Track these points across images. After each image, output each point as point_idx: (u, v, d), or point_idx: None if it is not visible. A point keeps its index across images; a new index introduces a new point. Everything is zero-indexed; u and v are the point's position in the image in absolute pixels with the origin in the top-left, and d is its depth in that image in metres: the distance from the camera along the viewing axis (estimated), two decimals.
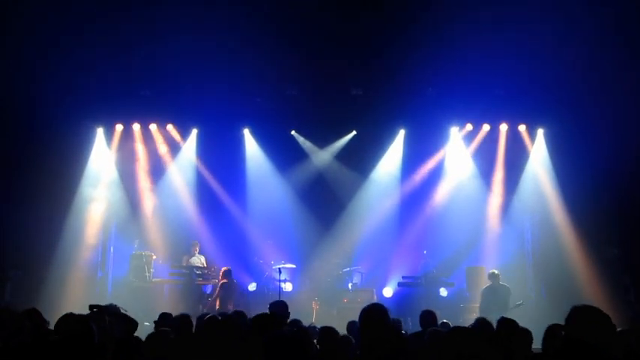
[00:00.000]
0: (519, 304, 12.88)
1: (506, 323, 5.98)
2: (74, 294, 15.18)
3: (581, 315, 4.52)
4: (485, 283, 13.55)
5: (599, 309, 4.59)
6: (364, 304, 13.76)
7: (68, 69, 14.02)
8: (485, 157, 16.76)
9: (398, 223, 16.60)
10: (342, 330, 6.85)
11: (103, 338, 5.20)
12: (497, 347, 5.51)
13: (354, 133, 17.08)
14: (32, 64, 14.31)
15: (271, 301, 13.64)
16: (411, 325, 13.19)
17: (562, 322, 4.65)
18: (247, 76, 15.13)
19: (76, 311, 14.13)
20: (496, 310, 11.96)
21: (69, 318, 4.94)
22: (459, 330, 4.71)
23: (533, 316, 14.72)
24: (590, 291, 14.97)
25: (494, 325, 6.41)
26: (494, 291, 12.60)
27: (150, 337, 5.94)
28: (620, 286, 14.53)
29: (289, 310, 7.49)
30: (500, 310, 12.09)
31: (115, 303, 14.49)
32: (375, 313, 4.85)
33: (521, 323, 6.42)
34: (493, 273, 13.17)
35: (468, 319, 12.28)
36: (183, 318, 7.02)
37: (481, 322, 6.87)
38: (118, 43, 14.39)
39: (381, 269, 16.09)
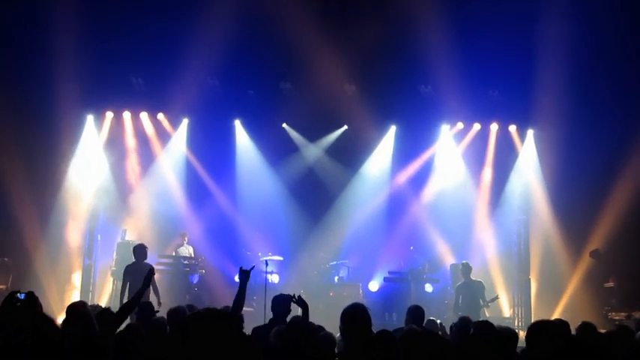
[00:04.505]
0: (495, 299, 12.96)
1: (483, 326, 6.00)
2: (61, 281, 15.24)
3: (537, 332, 4.68)
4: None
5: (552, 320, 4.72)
6: (350, 299, 13.86)
7: (59, 54, 14.01)
8: (474, 156, 16.88)
9: (386, 219, 16.72)
10: (329, 324, 6.89)
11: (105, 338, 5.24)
12: (476, 349, 5.54)
13: (345, 127, 17.14)
14: (23, 48, 14.31)
15: (257, 292, 13.85)
16: (395, 320, 13.30)
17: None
18: (241, 68, 15.19)
19: (64, 299, 13.96)
20: (469, 307, 12.00)
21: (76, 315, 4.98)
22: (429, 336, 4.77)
23: None
24: (575, 293, 15.20)
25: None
26: (468, 287, 12.59)
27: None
28: (604, 290, 14.70)
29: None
30: (475, 307, 12.13)
31: (100, 291, 14.56)
32: (357, 314, 4.89)
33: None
34: (467, 266, 12.79)
35: (452, 316, 12.37)
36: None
37: (464, 321, 6.94)
38: (110, 28, 14.41)
39: (368, 264, 16.19)
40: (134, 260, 11.60)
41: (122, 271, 14.19)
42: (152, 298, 10.65)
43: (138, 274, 10.09)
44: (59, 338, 4.81)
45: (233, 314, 6.09)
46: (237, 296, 6.28)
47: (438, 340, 4.31)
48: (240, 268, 6.45)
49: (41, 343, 4.72)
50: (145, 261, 11.59)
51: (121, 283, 11.58)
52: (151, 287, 11.05)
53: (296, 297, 7.05)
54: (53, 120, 15.09)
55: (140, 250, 11.54)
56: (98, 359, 4.91)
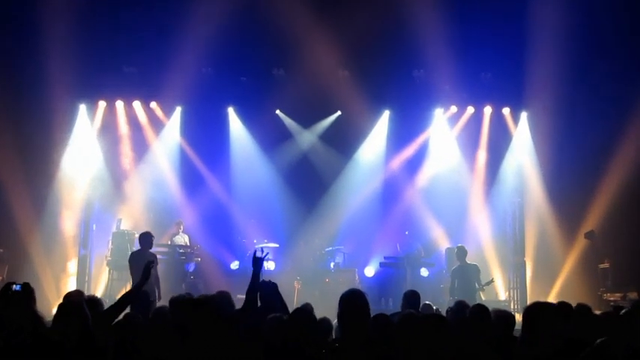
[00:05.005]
0: (490, 282, 12.99)
1: (478, 309, 5.99)
2: (56, 271, 15.23)
3: (533, 314, 4.70)
4: None
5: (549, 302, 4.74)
6: (346, 284, 13.90)
7: (51, 44, 13.92)
8: (468, 140, 16.87)
9: (381, 204, 16.74)
10: (326, 310, 6.86)
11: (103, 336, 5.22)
12: (472, 334, 5.53)
13: (339, 113, 17.09)
14: (14, 38, 14.21)
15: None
16: (391, 305, 13.35)
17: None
18: (233, 55, 15.11)
19: (59, 287, 13.95)
20: (464, 291, 12.04)
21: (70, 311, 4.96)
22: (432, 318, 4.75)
23: None
24: (570, 274, 15.24)
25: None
26: (463, 271, 12.60)
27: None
28: (599, 271, 14.74)
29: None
30: (470, 291, 12.17)
31: (96, 281, 14.49)
32: (355, 299, 4.86)
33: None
34: (462, 249, 12.84)
35: (449, 300, 12.42)
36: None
37: (460, 305, 6.95)
38: (101, 17, 14.33)
39: (364, 249, 16.20)
40: (139, 248, 11.51)
41: (118, 260, 14.31)
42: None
43: (142, 263, 9.09)
44: (59, 338, 4.79)
45: (244, 313, 6.01)
46: (250, 291, 6.18)
47: (436, 322, 4.29)
48: (254, 257, 6.34)
49: (41, 343, 4.74)
50: (150, 250, 11.49)
51: (129, 272, 11.57)
52: (152, 278, 11.07)
53: (262, 254, 6.71)
54: (46, 110, 15.02)
55: (146, 239, 11.43)
56: (98, 359, 4.90)
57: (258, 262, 6.35)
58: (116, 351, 5.22)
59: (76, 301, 5.19)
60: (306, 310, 5.87)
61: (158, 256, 14.03)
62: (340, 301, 4.87)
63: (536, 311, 4.78)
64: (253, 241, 15.54)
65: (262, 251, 6.62)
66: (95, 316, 5.35)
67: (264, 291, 6.61)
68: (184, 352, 5.04)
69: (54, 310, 5.07)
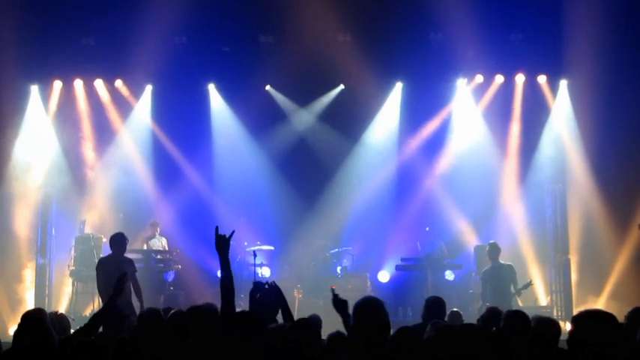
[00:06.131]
0: (528, 285, 13.06)
1: (515, 317, 5.98)
2: (10, 282, 15.25)
3: (583, 320, 4.69)
4: None
5: (603, 310, 4.75)
6: (356, 292, 13.91)
7: None
8: (498, 115, 16.83)
9: (395, 196, 16.78)
10: (333, 324, 6.88)
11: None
12: (506, 344, 5.53)
13: (342, 87, 17.11)
14: None
15: (245, 288, 13.85)
16: (411, 315, 13.40)
17: None
18: (212, 21, 15.05)
19: (14, 300, 14.03)
20: (498, 296, 12.12)
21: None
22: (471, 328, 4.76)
23: None
24: (623, 274, 15.20)
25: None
26: (496, 273, 12.69)
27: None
28: None
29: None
30: (505, 296, 12.25)
31: (57, 294, 14.48)
32: (372, 307, 4.84)
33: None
34: (494, 246, 13.01)
35: (479, 307, 12.49)
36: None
37: (493, 313, 6.97)
38: None
39: (376, 250, 16.29)
40: (110, 252, 11.50)
41: (82, 270, 14.32)
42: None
43: (115, 270, 9.64)
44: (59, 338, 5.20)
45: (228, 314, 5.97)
46: (223, 283, 5.85)
47: (478, 333, 4.29)
48: (216, 237, 5.85)
49: (41, 344, 5.08)
50: (125, 254, 11.45)
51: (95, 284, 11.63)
52: (131, 287, 11.12)
53: (269, 283, 6.47)
54: None
55: (118, 241, 11.37)
56: (98, 359, 5.17)
57: (223, 244, 5.88)
58: (116, 351, 5.42)
59: (39, 318, 5.30)
60: (311, 322, 5.87)
61: None
62: (355, 311, 4.85)
63: (588, 323, 4.74)
64: (244, 244, 15.56)
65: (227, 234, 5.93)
66: (62, 338, 5.46)
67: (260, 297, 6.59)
68: (184, 352, 5.22)
69: (10, 330, 5.27)
